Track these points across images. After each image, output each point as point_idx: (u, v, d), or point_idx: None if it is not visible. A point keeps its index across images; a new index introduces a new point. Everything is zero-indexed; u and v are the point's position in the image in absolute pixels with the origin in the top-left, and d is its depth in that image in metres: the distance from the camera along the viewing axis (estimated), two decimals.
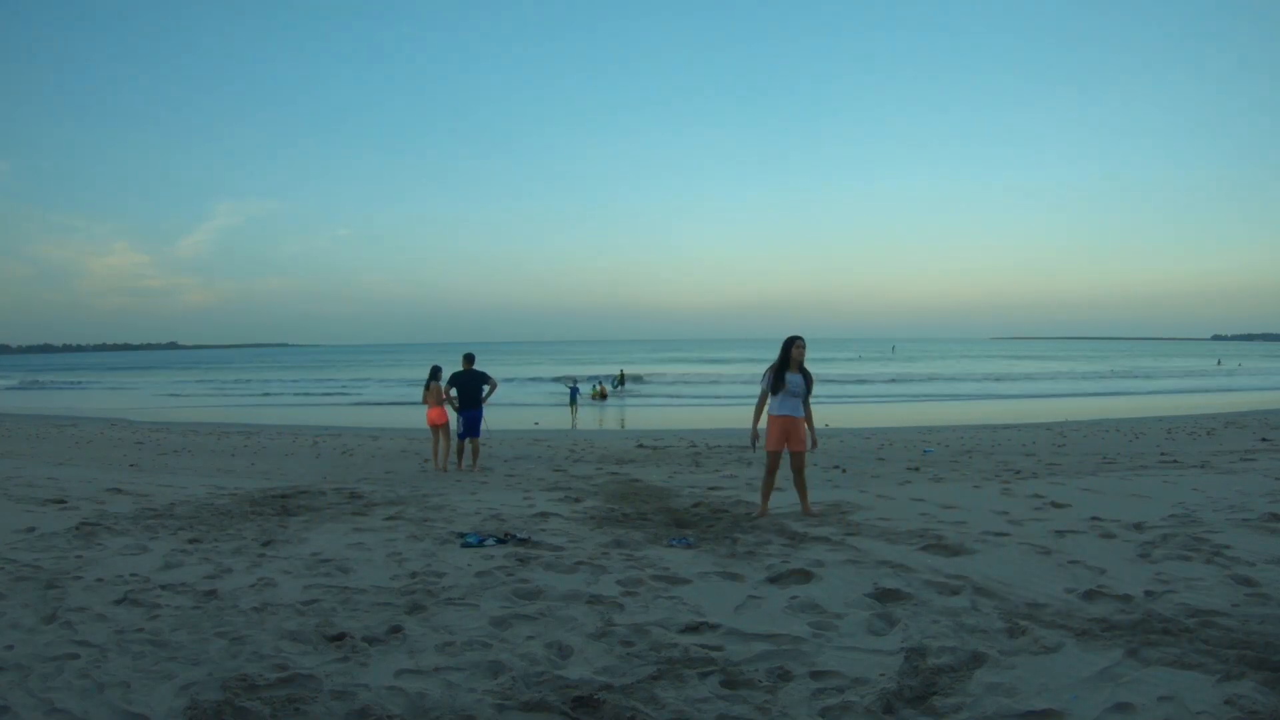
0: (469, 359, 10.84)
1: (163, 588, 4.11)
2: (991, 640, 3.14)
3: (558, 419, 20.95)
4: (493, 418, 14.31)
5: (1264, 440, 12.13)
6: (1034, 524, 5.29)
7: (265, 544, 5.12)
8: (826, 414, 21.66)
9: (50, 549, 4.98)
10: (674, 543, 5.05)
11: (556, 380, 33.01)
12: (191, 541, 5.23)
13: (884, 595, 3.76)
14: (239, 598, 3.91)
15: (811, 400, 6.13)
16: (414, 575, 4.31)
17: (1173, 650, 2.94)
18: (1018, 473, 8.89)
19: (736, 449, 12.35)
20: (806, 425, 6.04)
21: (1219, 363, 58.21)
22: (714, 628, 3.37)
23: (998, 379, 40.21)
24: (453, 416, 10.77)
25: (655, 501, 6.83)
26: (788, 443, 6.02)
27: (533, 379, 40.50)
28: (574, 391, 17.61)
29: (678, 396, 30.76)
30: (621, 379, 35.08)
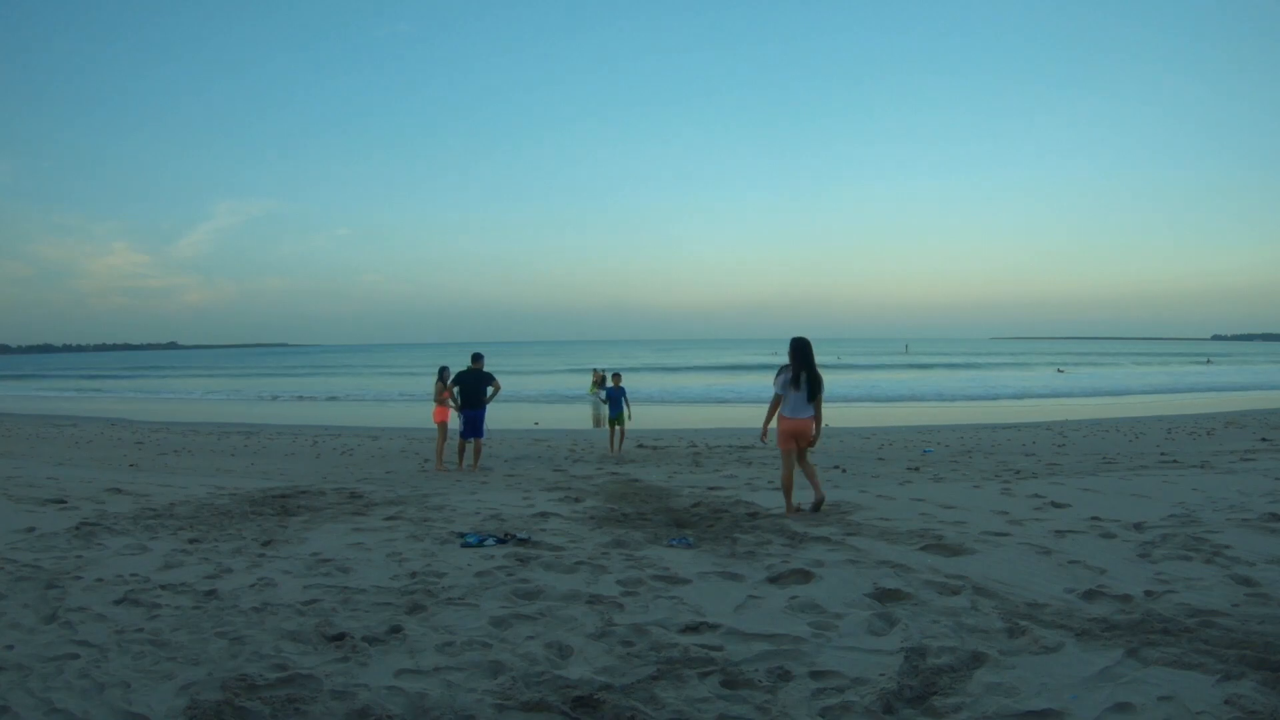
0: (477, 358, 10.89)
1: (163, 588, 4.11)
2: (991, 640, 3.14)
3: (558, 419, 20.94)
4: (493, 417, 14.54)
5: (1264, 440, 12.13)
6: (1034, 524, 5.29)
7: (265, 544, 5.12)
8: (841, 414, 21.67)
9: (50, 549, 4.98)
10: (674, 543, 5.05)
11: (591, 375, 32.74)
12: (191, 541, 5.23)
13: (884, 595, 3.76)
14: (239, 598, 3.91)
15: (825, 400, 6.34)
16: (414, 575, 4.31)
17: (1173, 650, 2.94)
18: (1018, 473, 8.89)
19: (736, 449, 12.35)
20: (814, 423, 6.19)
21: (1208, 361, 58.29)
22: (714, 628, 3.37)
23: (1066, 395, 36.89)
24: (456, 416, 10.82)
25: (655, 501, 6.83)
26: (796, 440, 6.15)
27: (543, 373, 40.29)
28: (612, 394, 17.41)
29: (679, 399, 30.74)
30: (607, 380, 34.80)
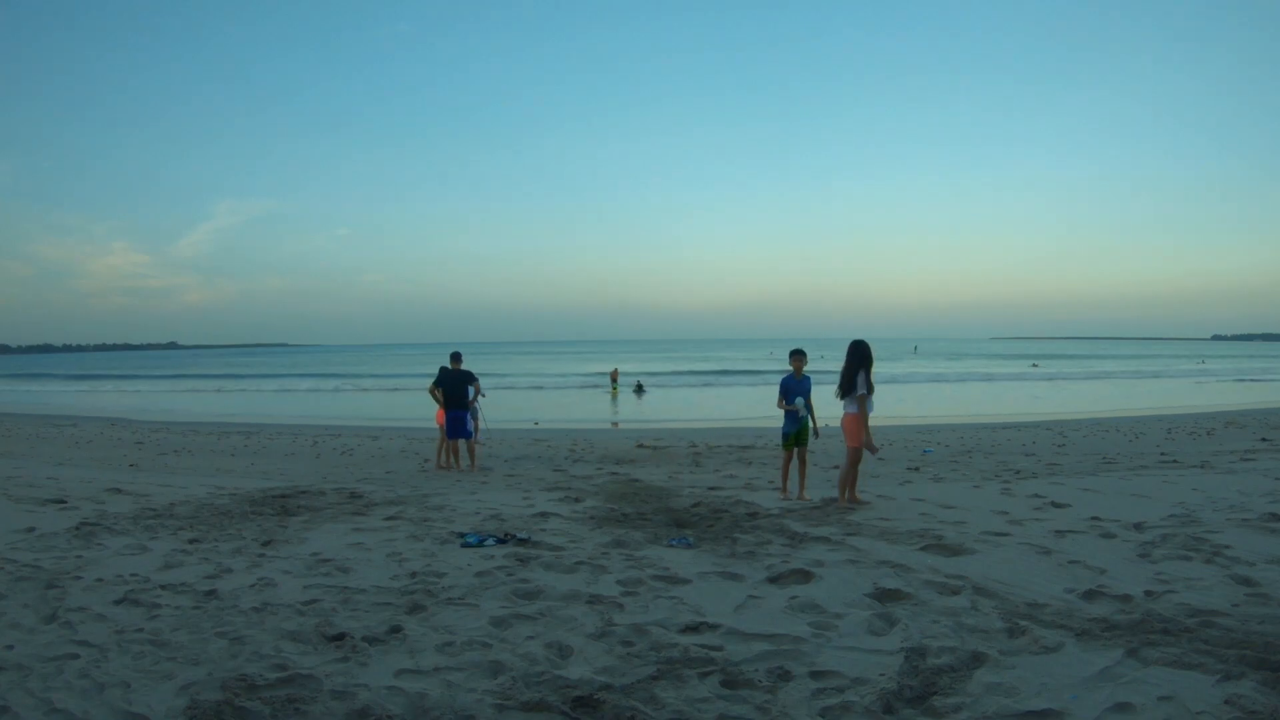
0: (455, 358, 10.79)
1: (163, 588, 4.11)
2: (991, 640, 3.14)
3: (559, 418, 20.94)
4: (494, 416, 14.56)
5: (1264, 440, 12.13)
6: (1034, 524, 5.29)
7: (265, 544, 5.12)
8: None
9: (50, 549, 4.98)
10: (674, 543, 5.05)
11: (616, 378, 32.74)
12: (191, 541, 5.23)
13: (884, 595, 3.76)
14: (239, 598, 3.91)
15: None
16: (414, 575, 4.31)
17: (1173, 650, 2.94)
18: (1018, 473, 8.90)
19: (736, 449, 12.35)
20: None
21: (1202, 362, 58.28)
22: (714, 628, 3.37)
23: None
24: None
25: (655, 501, 6.83)
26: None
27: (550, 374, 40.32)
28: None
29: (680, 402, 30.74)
30: (615, 380, 34.96)
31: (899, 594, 3.76)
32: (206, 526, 5.75)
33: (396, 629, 3.42)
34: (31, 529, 5.55)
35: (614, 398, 29.94)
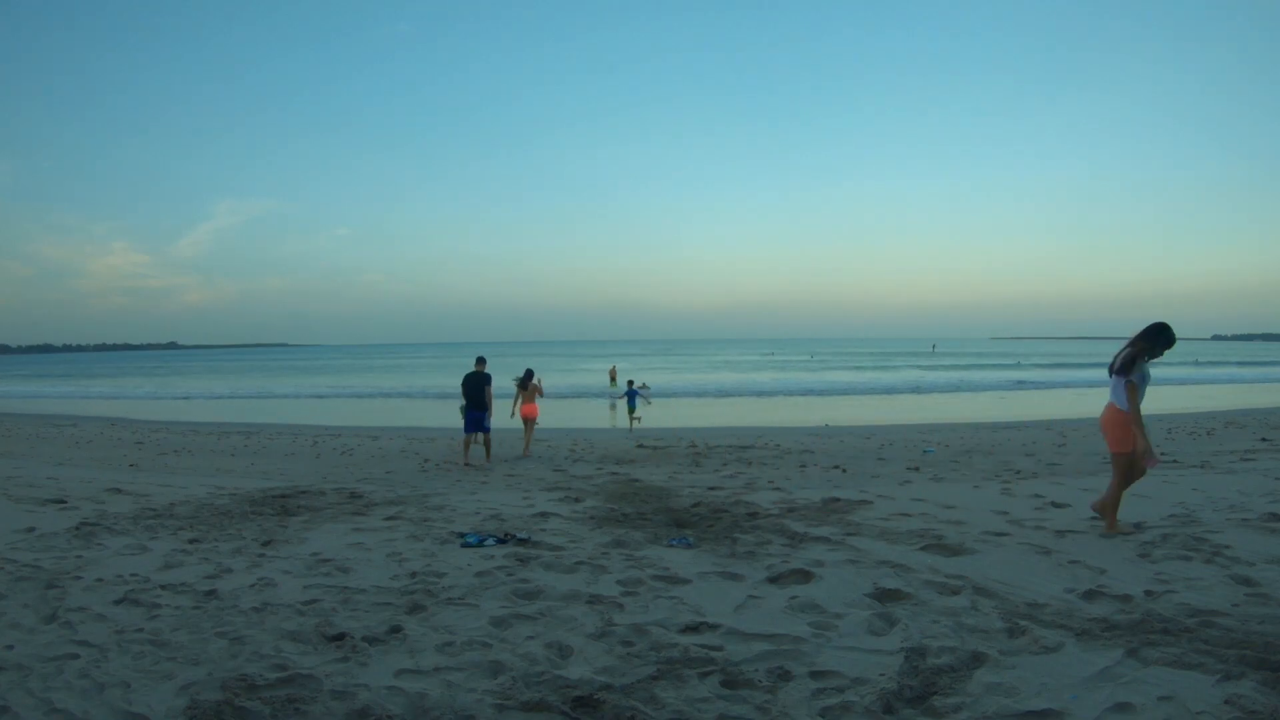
0: (480, 361, 11.84)
1: (163, 588, 4.11)
2: (991, 640, 3.14)
3: (559, 419, 20.93)
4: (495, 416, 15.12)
5: (1264, 440, 12.12)
6: (1034, 524, 5.29)
7: (265, 544, 5.13)
8: (841, 413, 21.68)
9: (50, 549, 4.98)
10: (674, 543, 5.05)
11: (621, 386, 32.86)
12: (191, 541, 5.23)
13: (884, 595, 3.76)
14: (239, 598, 3.91)
15: None
16: (414, 575, 4.31)
17: (1173, 650, 2.94)
18: (1018, 473, 8.90)
19: (736, 449, 12.34)
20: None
21: (1196, 362, 58.33)
22: (714, 628, 3.37)
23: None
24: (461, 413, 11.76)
25: (655, 501, 6.83)
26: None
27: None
28: (633, 395, 17.49)
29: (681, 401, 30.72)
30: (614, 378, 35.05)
31: (899, 594, 3.76)
32: (206, 526, 5.75)
33: (396, 629, 3.42)
34: (31, 529, 5.55)
35: (612, 388, 30.33)
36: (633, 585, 4.05)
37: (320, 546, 5.05)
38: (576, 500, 6.99)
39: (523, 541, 5.13)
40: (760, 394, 31.80)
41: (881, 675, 2.83)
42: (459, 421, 11.94)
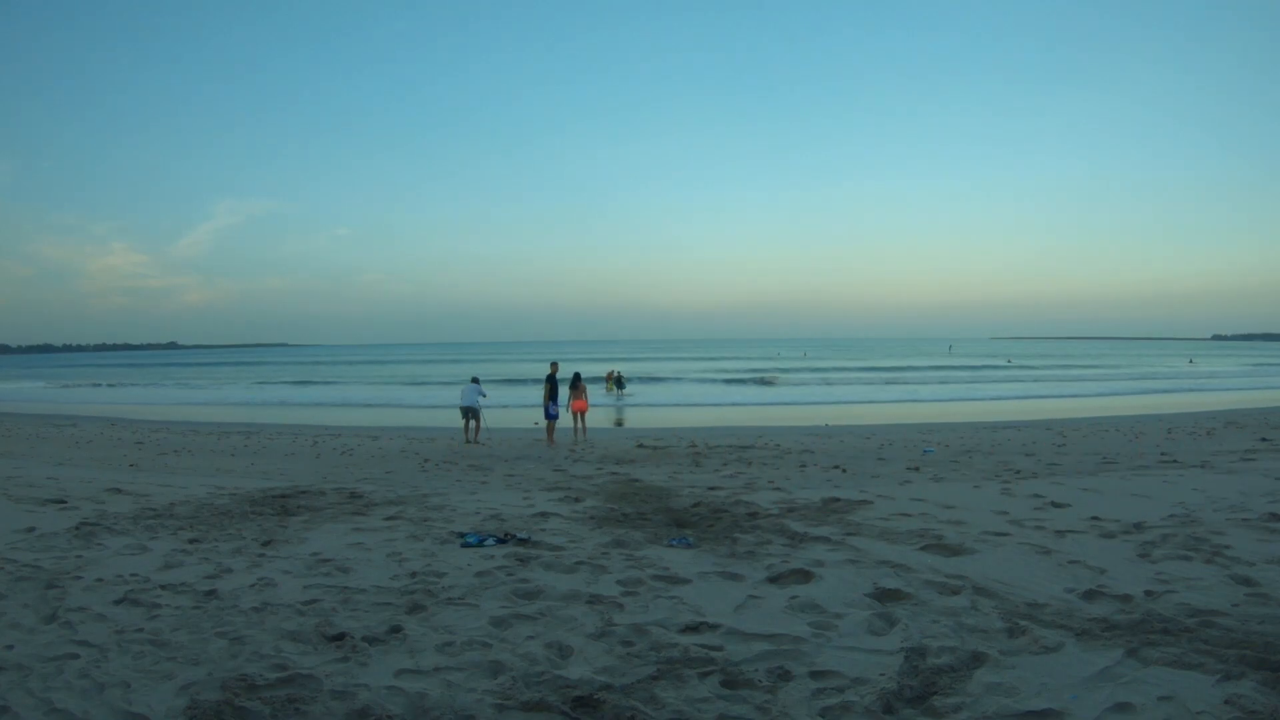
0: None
1: (163, 588, 4.11)
2: (991, 640, 3.14)
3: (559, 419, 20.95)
4: (492, 416, 15.71)
5: (1264, 440, 12.12)
6: (1034, 524, 5.29)
7: (265, 544, 5.13)
8: (842, 412, 21.68)
9: (50, 549, 4.98)
10: (674, 543, 5.05)
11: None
12: (191, 541, 5.23)
13: (884, 595, 3.76)
14: (239, 598, 3.91)
15: None
16: (414, 575, 4.31)
17: (1173, 650, 2.94)
18: (1018, 473, 8.90)
19: (736, 449, 12.35)
20: None
21: (1190, 361, 58.42)
22: (714, 628, 3.37)
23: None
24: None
25: (655, 501, 6.83)
26: None
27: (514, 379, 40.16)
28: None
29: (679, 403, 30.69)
30: (611, 380, 35.17)
31: (899, 594, 3.76)
32: (206, 526, 5.75)
33: (396, 629, 3.42)
34: (31, 529, 5.55)
35: (609, 392, 30.67)
36: (633, 585, 4.05)
37: (320, 546, 5.05)
38: (576, 500, 6.99)
39: (523, 541, 5.13)
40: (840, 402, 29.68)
41: (881, 675, 2.83)
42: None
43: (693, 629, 3.37)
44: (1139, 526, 5.07)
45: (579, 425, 15.09)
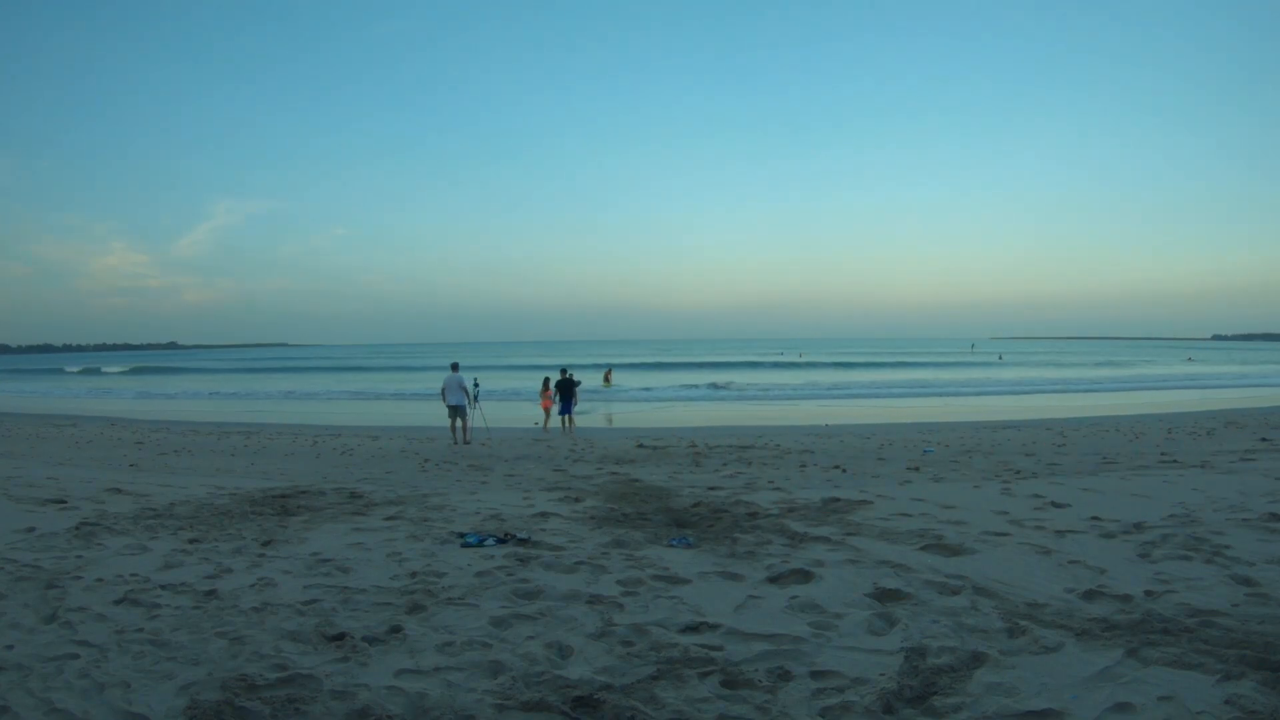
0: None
1: (163, 588, 4.11)
2: (991, 640, 3.14)
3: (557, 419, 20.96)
4: (491, 416, 15.88)
5: (1264, 440, 12.12)
6: (1034, 524, 5.29)
7: (265, 544, 5.13)
8: (842, 412, 21.69)
9: (50, 549, 4.98)
10: (674, 543, 5.05)
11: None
12: (191, 541, 5.23)
13: (884, 595, 3.76)
14: (239, 598, 3.91)
15: None
16: (414, 575, 4.31)
17: (1173, 650, 2.94)
18: (1018, 473, 8.90)
19: (736, 449, 12.35)
20: None
21: (1188, 360, 58.58)
22: (714, 628, 3.37)
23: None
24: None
25: (655, 501, 6.83)
26: None
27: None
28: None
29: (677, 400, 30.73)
30: (608, 377, 35.39)
31: (899, 594, 3.76)
32: (206, 526, 5.75)
33: (396, 629, 3.42)
34: (31, 529, 5.55)
35: (606, 387, 31.51)
36: (633, 585, 4.05)
37: (320, 546, 5.05)
38: (576, 500, 6.99)
39: (523, 541, 5.13)
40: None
41: (881, 675, 2.83)
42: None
43: (693, 629, 3.37)
44: (1139, 526, 5.07)
45: (545, 422, 17.36)
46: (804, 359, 65.21)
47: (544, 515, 6.12)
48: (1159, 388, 32.60)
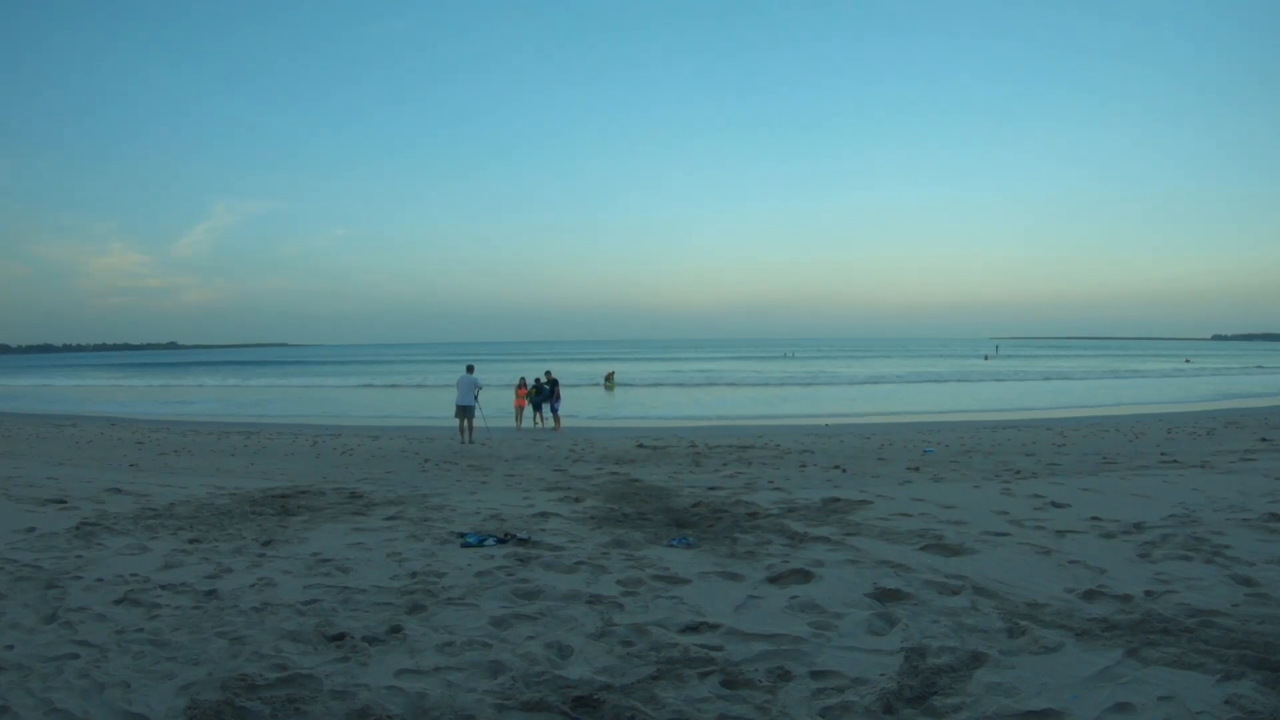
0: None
1: (163, 588, 4.11)
2: (991, 640, 3.14)
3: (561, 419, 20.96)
4: (491, 417, 16.01)
5: (1264, 440, 12.13)
6: (1034, 524, 5.29)
7: (265, 544, 5.13)
8: (841, 411, 21.69)
9: (50, 549, 4.98)
10: (674, 543, 5.05)
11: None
12: (191, 541, 5.23)
13: (884, 595, 3.76)
14: (239, 598, 3.91)
15: None
16: (414, 575, 4.31)
17: (1173, 650, 2.94)
18: (1018, 473, 8.90)
19: (736, 449, 12.35)
20: None
21: (1187, 360, 58.51)
22: (714, 628, 3.37)
23: None
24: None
25: (655, 501, 6.83)
26: None
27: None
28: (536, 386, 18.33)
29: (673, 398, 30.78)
30: (609, 379, 35.51)
31: (899, 594, 3.76)
32: (206, 526, 5.75)
33: (396, 629, 3.42)
34: (31, 529, 5.55)
35: (609, 390, 31.66)
36: (633, 585, 4.05)
37: (320, 546, 5.05)
38: (576, 500, 6.99)
39: (523, 541, 5.13)
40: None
41: (881, 675, 2.83)
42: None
43: (693, 629, 3.37)
44: (1139, 526, 5.07)
45: (519, 419, 18.29)
46: (791, 356, 65.44)
47: (544, 515, 6.12)
48: (1159, 388, 32.59)
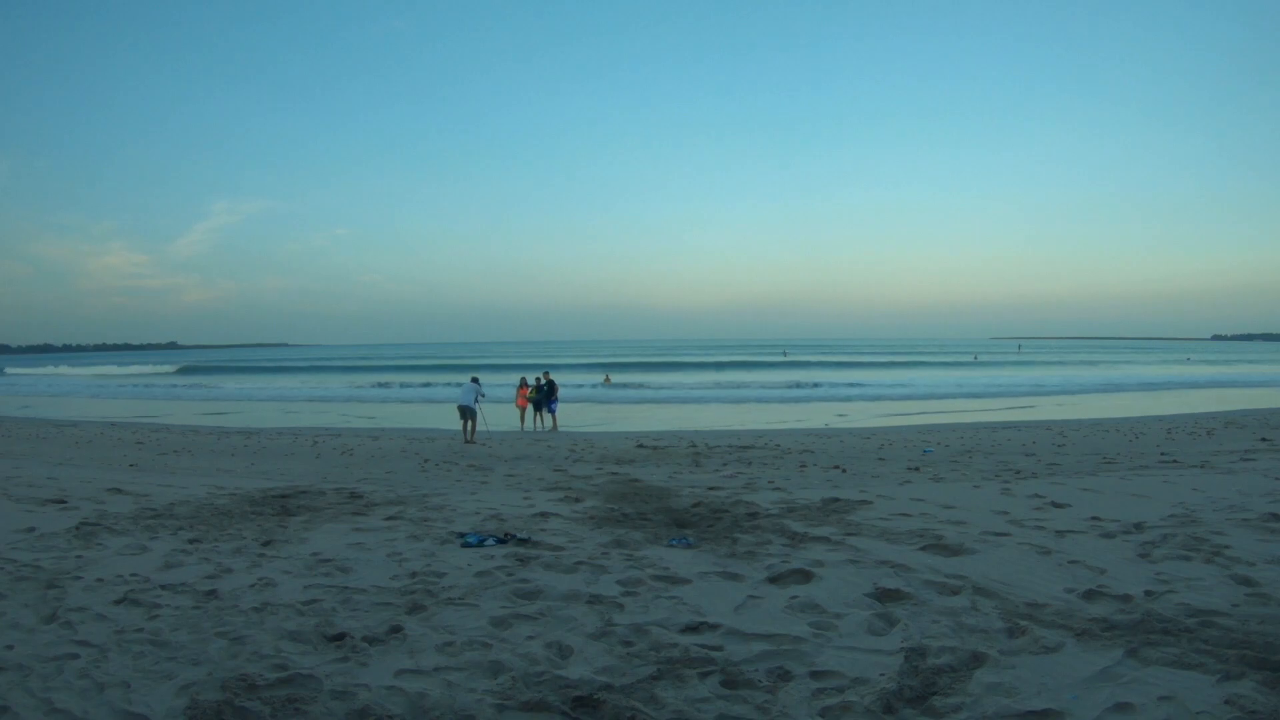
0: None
1: (163, 588, 4.11)
2: (991, 640, 3.14)
3: (559, 418, 20.95)
4: (493, 415, 16.09)
5: (1264, 440, 12.13)
6: (1034, 524, 5.29)
7: (265, 544, 5.13)
8: (843, 410, 21.68)
9: (50, 549, 4.98)
10: (674, 543, 5.05)
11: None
12: (191, 541, 5.23)
13: (884, 595, 3.76)
14: (239, 598, 3.91)
15: None
16: (414, 575, 4.31)
17: (1173, 650, 2.94)
18: (1018, 473, 8.90)
19: (736, 449, 12.35)
20: None
21: (1188, 359, 58.90)
22: (714, 628, 3.37)
23: None
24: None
25: (655, 501, 6.83)
26: None
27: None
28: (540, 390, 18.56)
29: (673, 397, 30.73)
30: (608, 378, 35.67)
31: (899, 594, 3.76)
32: (206, 526, 5.75)
33: (396, 629, 3.42)
34: (31, 529, 5.55)
35: (607, 385, 32.15)
36: (633, 585, 4.05)
37: (320, 546, 5.05)
38: (576, 500, 6.99)
39: (523, 541, 5.13)
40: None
41: (881, 675, 2.83)
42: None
43: (693, 629, 3.37)
44: (1139, 526, 5.07)
45: (521, 419, 18.37)
46: (788, 358, 65.67)
47: (544, 515, 6.12)
48: (1161, 390, 32.53)
